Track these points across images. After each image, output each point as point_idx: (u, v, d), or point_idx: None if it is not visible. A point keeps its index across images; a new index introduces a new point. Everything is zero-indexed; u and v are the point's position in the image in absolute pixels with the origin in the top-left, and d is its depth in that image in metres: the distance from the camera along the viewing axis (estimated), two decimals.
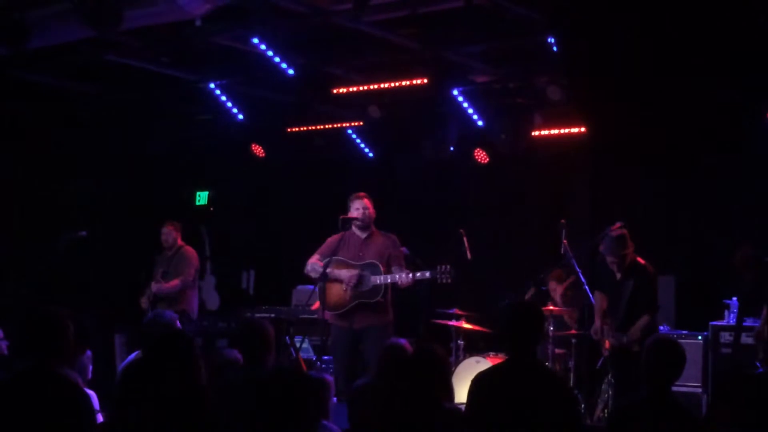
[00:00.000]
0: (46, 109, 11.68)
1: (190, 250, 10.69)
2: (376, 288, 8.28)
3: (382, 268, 8.30)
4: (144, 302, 10.51)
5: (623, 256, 8.48)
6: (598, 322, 8.67)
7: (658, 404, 5.10)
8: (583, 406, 9.37)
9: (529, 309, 5.38)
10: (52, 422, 4.55)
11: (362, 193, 8.66)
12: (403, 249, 8.59)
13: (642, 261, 8.56)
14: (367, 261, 8.40)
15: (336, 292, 8.40)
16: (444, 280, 8.12)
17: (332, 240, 8.57)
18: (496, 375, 5.30)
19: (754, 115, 9.71)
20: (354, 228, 8.56)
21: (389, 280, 8.23)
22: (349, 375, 8.25)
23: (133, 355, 6.61)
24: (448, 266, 8.10)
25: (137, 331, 10.20)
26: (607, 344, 8.58)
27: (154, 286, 10.37)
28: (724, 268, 9.32)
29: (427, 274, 8.13)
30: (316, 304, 8.61)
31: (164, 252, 10.71)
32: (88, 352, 6.79)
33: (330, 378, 4.82)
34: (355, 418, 5.62)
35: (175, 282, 10.36)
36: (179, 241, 10.70)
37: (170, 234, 10.67)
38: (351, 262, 8.45)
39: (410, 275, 8.14)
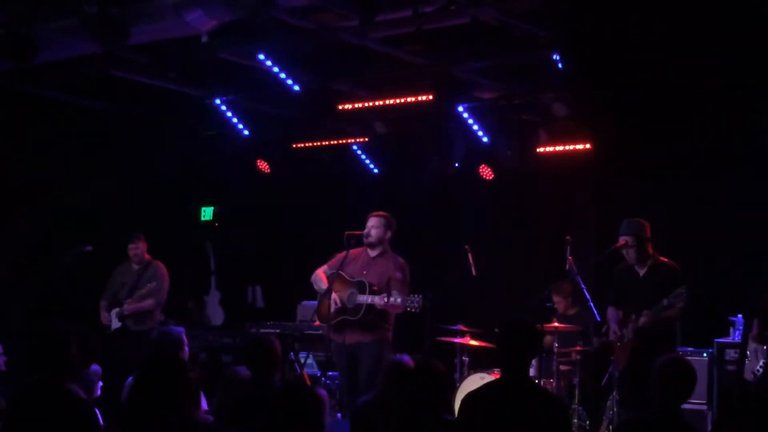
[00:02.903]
0: (52, 124, 11.69)
1: (162, 267, 10.32)
2: (358, 306, 8.36)
3: (372, 288, 8.35)
4: (105, 318, 10.16)
5: (642, 240, 8.15)
6: (615, 326, 8.32)
7: (665, 422, 5.09)
8: (588, 422, 9.36)
9: (522, 327, 5.36)
10: None
11: (378, 213, 8.71)
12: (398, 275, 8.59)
13: (666, 260, 8.27)
14: (358, 279, 8.47)
15: (327, 304, 8.50)
16: (412, 309, 8.18)
17: (341, 255, 8.65)
18: (486, 392, 5.31)
19: (759, 130, 9.71)
20: (366, 245, 8.65)
21: (369, 301, 8.31)
22: (351, 390, 8.29)
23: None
24: (419, 296, 8.17)
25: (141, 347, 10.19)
26: (630, 333, 8.10)
27: (127, 307, 10.02)
28: (729, 284, 9.32)
29: (398, 300, 8.18)
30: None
31: (129, 265, 10.37)
32: (98, 369, 6.78)
33: (324, 393, 4.83)
34: None
35: (150, 302, 10.04)
36: (146, 255, 10.36)
37: (140, 248, 10.32)
38: (349, 279, 8.52)
39: (384, 299, 8.21)
